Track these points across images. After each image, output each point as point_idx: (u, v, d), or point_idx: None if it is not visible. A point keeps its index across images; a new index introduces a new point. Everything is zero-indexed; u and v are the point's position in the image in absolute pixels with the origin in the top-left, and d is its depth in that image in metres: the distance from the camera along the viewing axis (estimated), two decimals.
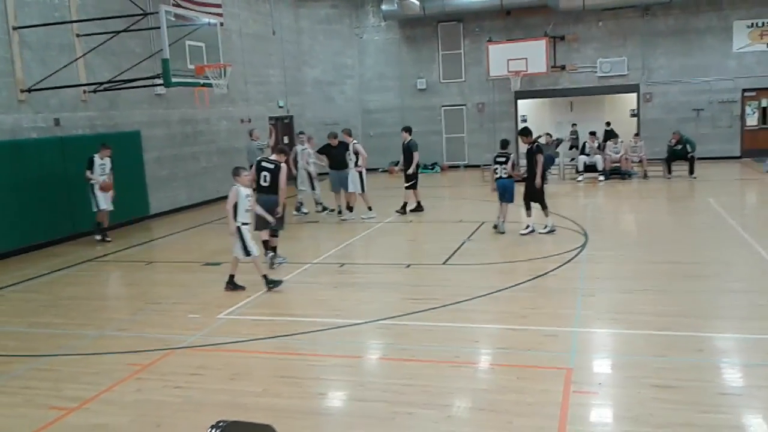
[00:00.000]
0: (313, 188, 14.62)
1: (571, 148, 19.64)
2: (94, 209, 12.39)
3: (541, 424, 4.76)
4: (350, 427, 4.98)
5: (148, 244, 12.80)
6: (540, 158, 11.28)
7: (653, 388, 5.19)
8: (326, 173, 14.56)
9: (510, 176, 11.54)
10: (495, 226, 11.74)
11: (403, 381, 5.61)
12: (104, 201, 12.38)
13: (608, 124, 20.78)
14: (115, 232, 13.09)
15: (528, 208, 11.49)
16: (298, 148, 14.91)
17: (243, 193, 8.48)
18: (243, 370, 6.05)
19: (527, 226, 11.33)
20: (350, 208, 13.90)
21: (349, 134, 14.02)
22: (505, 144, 11.91)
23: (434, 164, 23.38)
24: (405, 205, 14.19)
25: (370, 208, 13.79)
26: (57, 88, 12.30)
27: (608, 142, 18.74)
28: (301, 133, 16.01)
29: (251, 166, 10.46)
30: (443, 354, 6.19)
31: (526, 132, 11.58)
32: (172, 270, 10.53)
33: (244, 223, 8.49)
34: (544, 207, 11.39)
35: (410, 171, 13.96)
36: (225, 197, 17.53)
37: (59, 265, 10.95)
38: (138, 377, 5.97)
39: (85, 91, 13.34)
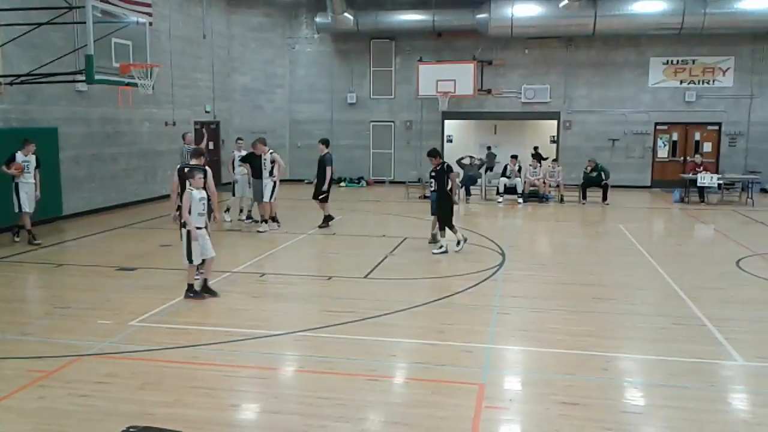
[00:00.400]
0: (251, 196, 14.37)
1: (487, 170, 20.14)
2: (17, 210, 11.87)
3: None
4: None
5: (60, 246, 12.26)
6: (453, 176, 11.63)
7: (561, 405, 5.37)
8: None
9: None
10: (433, 237, 12.01)
11: (318, 394, 5.59)
12: (27, 203, 11.89)
13: (536, 148, 21.45)
14: (24, 233, 12.48)
15: (442, 228, 11.64)
16: (236, 154, 14.71)
17: (196, 197, 8.19)
18: (153, 380, 5.87)
19: (440, 246, 11.51)
20: (274, 218, 13.75)
21: (264, 143, 13.67)
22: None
23: (360, 178, 23.50)
24: (326, 218, 14.16)
25: (274, 219, 13.67)
26: None
27: (528, 166, 19.34)
28: (239, 139, 15.77)
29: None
30: (360, 367, 6.20)
31: (434, 153, 11.84)
32: (84, 273, 10.10)
33: (197, 227, 8.22)
34: (450, 226, 11.56)
35: (324, 187, 13.81)
36: (144, 201, 17.46)
37: None
38: (41, 384, 5.70)
39: (0, 83, 12.72)
